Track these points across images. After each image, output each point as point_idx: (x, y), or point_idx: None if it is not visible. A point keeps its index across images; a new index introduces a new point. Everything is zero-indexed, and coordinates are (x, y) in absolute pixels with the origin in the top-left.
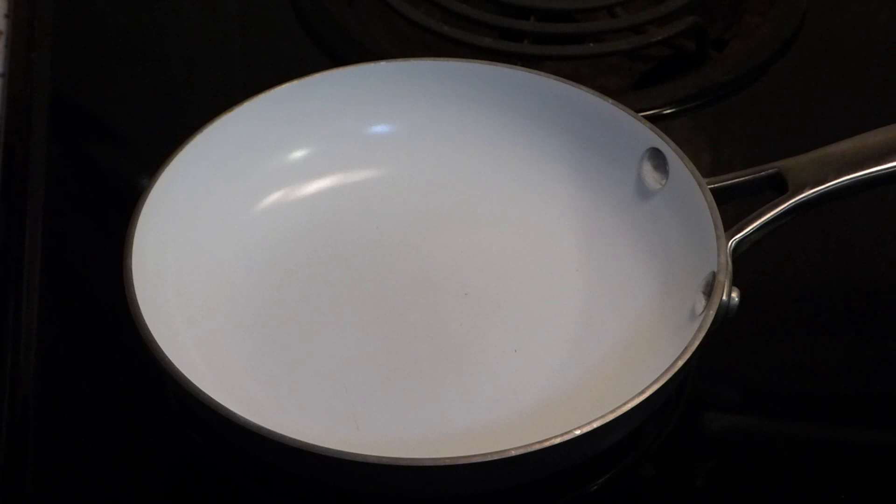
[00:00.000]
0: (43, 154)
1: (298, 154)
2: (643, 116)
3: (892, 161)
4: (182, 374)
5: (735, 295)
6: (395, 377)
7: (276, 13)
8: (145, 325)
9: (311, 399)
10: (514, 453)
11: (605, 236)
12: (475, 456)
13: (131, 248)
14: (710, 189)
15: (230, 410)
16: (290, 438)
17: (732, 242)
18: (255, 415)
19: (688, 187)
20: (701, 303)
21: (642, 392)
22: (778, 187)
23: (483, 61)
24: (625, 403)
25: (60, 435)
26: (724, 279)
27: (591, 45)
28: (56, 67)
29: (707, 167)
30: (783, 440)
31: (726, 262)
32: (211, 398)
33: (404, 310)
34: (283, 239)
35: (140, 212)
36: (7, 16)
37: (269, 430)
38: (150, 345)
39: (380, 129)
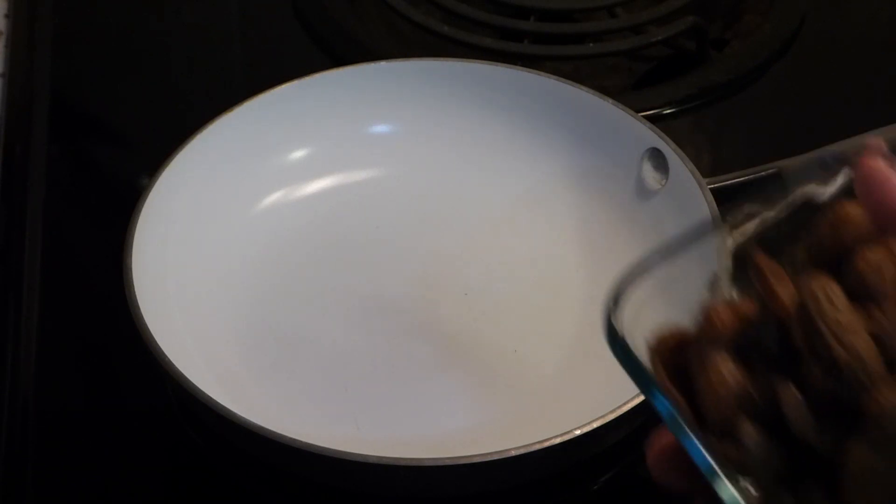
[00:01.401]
0: (43, 154)
1: (298, 154)
2: (643, 116)
3: None
4: (182, 374)
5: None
6: (395, 377)
7: (276, 13)
8: (145, 325)
9: (311, 399)
10: (514, 453)
11: (605, 236)
12: (475, 456)
13: (131, 248)
14: (710, 189)
15: (230, 410)
16: (290, 438)
17: None
18: (255, 415)
19: (688, 187)
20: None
21: None
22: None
23: (483, 61)
24: (625, 403)
25: (60, 435)
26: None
27: (591, 45)
28: (56, 67)
29: (707, 167)
30: None
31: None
32: (211, 398)
33: (404, 310)
34: (283, 239)
35: (140, 212)
36: (7, 16)
37: (269, 430)
38: (150, 345)
39: (380, 129)
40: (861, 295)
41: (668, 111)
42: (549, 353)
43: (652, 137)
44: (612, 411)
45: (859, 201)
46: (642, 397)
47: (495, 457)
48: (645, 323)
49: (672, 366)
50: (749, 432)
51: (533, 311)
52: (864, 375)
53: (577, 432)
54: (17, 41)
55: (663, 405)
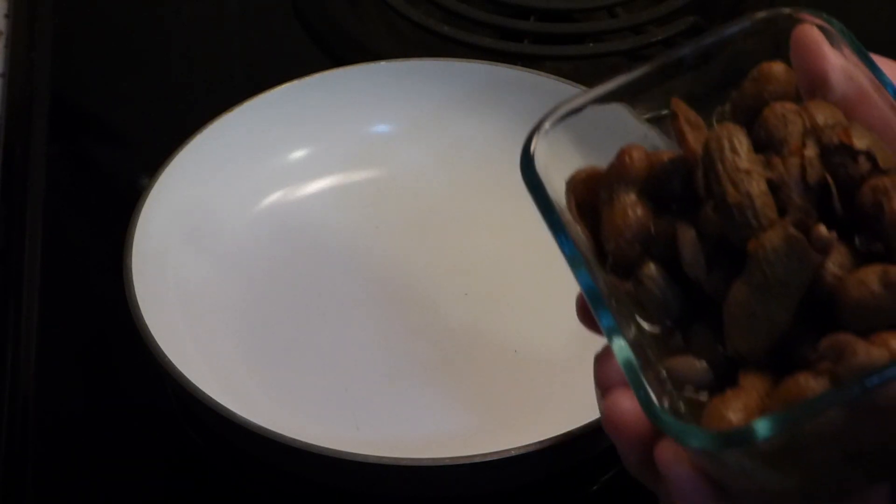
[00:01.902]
0: (43, 154)
1: (298, 154)
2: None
3: None
4: (182, 374)
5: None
6: (395, 377)
7: (276, 13)
8: (145, 325)
9: (311, 399)
10: (514, 453)
11: None
12: (475, 456)
13: (131, 248)
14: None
15: (230, 410)
16: (290, 438)
17: None
18: (255, 415)
19: None
20: None
21: None
22: None
23: (483, 61)
24: None
25: (60, 435)
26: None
27: (591, 45)
28: (56, 67)
29: None
30: None
31: None
32: (211, 398)
33: (404, 310)
34: (283, 239)
35: (140, 212)
36: (7, 16)
37: (269, 430)
38: (150, 345)
39: (380, 129)
40: (766, 146)
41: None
42: (549, 353)
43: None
44: None
45: (788, 64)
46: None
47: (495, 457)
48: (565, 164)
49: (586, 205)
50: (647, 269)
51: (533, 311)
52: (753, 217)
53: (577, 432)
54: (17, 41)
55: (563, 238)
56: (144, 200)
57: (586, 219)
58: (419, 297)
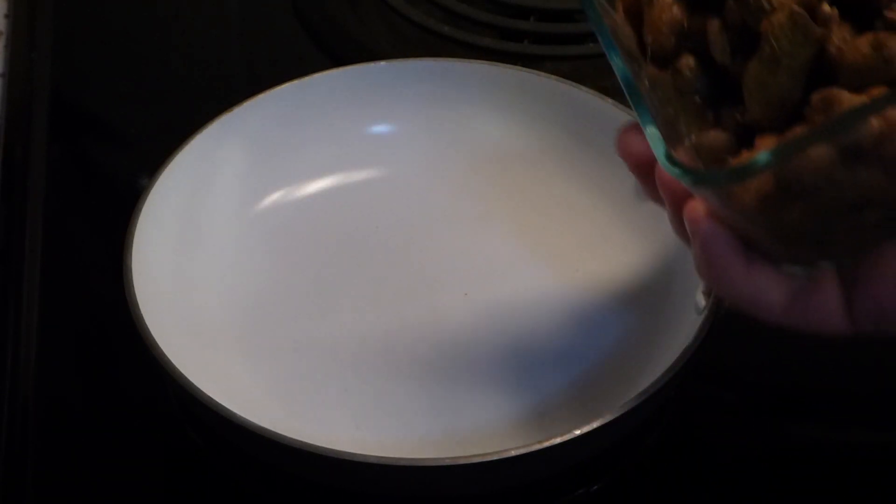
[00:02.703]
0: (43, 154)
1: (298, 154)
2: None
3: None
4: (182, 374)
5: None
6: (395, 377)
7: (276, 13)
8: (145, 325)
9: (311, 399)
10: (514, 453)
11: (605, 236)
12: (475, 456)
13: (131, 248)
14: None
15: (230, 410)
16: (290, 438)
17: None
18: (255, 415)
19: None
20: (701, 303)
21: (642, 392)
22: None
23: (483, 61)
24: (625, 403)
25: (60, 435)
26: None
27: (591, 45)
28: (56, 67)
29: None
30: (783, 440)
31: None
32: (211, 398)
33: (404, 310)
34: (283, 239)
35: (140, 212)
36: (7, 16)
37: (269, 430)
38: (150, 345)
39: (380, 129)
40: None
41: None
42: (549, 354)
43: None
44: (611, 411)
45: None
46: (643, 398)
47: (495, 457)
48: None
49: (632, 9)
50: (683, 59)
51: (533, 311)
52: (766, 2)
53: (577, 432)
54: (17, 41)
55: (605, 35)
56: (144, 200)
57: (632, 22)
58: (419, 297)
